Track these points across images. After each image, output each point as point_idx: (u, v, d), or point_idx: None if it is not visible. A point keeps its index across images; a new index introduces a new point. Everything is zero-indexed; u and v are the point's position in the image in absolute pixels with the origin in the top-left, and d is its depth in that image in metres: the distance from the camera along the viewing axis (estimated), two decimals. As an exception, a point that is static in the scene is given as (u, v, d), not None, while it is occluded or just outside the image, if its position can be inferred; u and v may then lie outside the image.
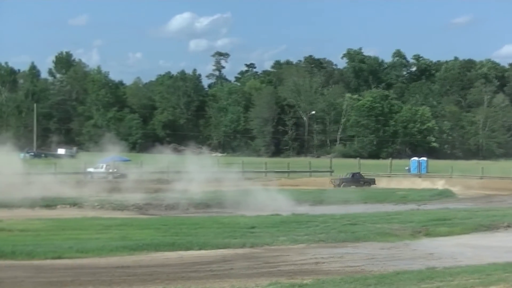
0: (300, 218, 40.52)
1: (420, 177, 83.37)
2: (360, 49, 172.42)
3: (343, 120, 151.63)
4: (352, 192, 62.30)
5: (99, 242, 29.71)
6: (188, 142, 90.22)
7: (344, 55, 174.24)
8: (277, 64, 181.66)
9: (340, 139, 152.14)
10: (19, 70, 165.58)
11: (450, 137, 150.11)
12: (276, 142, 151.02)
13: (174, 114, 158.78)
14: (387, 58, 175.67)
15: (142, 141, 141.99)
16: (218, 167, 72.61)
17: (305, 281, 22.36)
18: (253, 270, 25.04)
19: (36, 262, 25.55)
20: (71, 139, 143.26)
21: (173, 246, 29.21)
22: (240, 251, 29.22)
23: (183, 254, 28.03)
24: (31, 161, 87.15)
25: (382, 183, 74.20)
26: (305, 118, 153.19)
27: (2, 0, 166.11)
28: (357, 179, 72.93)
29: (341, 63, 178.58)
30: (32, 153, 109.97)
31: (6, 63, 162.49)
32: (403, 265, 26.02)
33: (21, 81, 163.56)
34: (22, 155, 71.81)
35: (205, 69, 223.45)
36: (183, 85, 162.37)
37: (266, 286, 21.75)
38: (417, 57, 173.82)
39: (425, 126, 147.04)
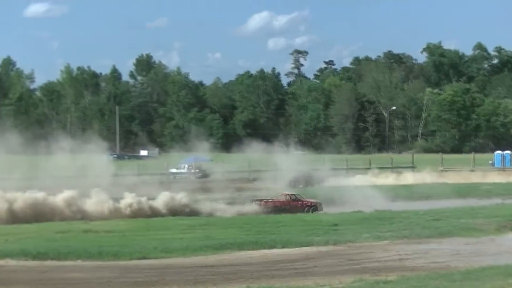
0: (383, 215, 40.26)
1: (504, 171, 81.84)
2: (440, 42, 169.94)
3: (424, 115, 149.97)
4: (435, 187, 61.47)
5: (183, 242, 29.99)
6: (269, 141, 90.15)
7: (424, 50, 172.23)
8: (356, 60, 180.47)
9: (422, 134, 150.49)
10: (101, 73, 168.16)
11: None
12: (357, 139, 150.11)
13: (254, 113, 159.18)
14: (468, 51, 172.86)
15: (223, 140, 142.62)
16: (305, 164, 72.57)
17: (389, 278, 22.22)
18: (337, 267, 24.96)
19: (122, 262, 25.91)
20: (153, 141, 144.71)
21: (256, 245, 29.29)
22: (323, 248, 29.16)
23: (266, 253, 28.09)
24: (115, 163, 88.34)
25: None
26: (385, 114, 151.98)
27: (84, 6, 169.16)
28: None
29: (421, 58, 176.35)
30: (115, 155, 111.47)
31: (88, 67, 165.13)
32: (489, 261, 25.61)
33: (103, 84, 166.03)
34: (105, 157, 72.75)
35: (284, 68, 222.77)
36: (263, 84, 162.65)
37: (350, 284, 21.66)
38: (499, 49, 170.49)
39: (508, 119, 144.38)
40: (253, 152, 77.10)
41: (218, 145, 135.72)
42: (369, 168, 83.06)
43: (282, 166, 63.67)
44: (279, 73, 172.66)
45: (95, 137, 64.83)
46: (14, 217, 39.02)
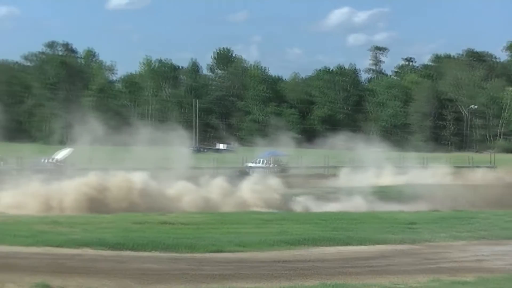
0: (460, 214, 39.76)
1: None
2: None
3: (505, 114, 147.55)
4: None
5: (259, 236, 30.02)
6: (347, 137, 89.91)
7: (506, 48, 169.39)
8: (437, 58, 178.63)
9: (502, 134, 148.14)
10: (180, 66, 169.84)
11: None
12: (435, 137, 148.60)
13: (332, 109, 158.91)
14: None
15: (301, 135, 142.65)
16: (387, 161, 72.43)
17: (466, 279, 21.92)
18: (413, 266, 24.71)
19: (197, 255, 26.05)
20: (231, 134, 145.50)
21: (332, 241, 29.16)
22: (399, 247, 28.89)
23: (341, 249, 27.95)
24: (193, 156, 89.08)
25: None
26: (465, 113, 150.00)
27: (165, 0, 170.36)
28: None
29: (503, 56, 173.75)
30: (194, 148, 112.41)
31: (168, 59, 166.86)
32: None
33: (182, 77, 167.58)
34: (183, 150, 73.48)
35: (363, 64, 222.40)
36: (341, 79, 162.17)
37: (426, 283, 21.43)
38: None
39: None
40: (332, 147, 77.05)
41: (295, 140, 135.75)
42: (447, 166, 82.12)
43: (361, 162, 63.46)
44: (358, 69, 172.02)
45: (174, 129, 65.39)
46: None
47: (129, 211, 39.65)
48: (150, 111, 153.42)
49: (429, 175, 70.04)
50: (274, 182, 49.65)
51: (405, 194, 51.98)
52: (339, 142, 77.08)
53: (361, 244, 28.90)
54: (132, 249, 26.48)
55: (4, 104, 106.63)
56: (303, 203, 47.13)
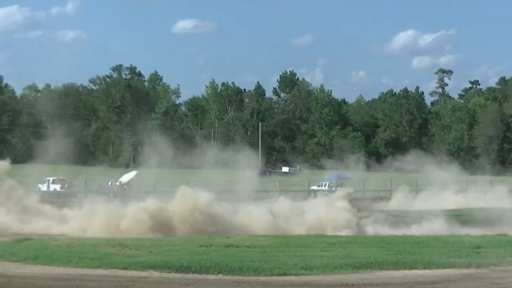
0: (528, 239, 39.09)
1: None
2: None
3: None
4: None
5: (324, 259, 29.86)
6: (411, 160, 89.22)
7: None
8: (502, 80, 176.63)
9: None
10: (245, 89, 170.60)
11: None
12: (501, 160, 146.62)
13: (397, 132, 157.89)
14: None
15: (365, 158, 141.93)
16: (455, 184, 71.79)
17: (535, 305, 21.57)
18: (480, 291, 24.39)
19: (262, 278, 26.02)
20: (295, 157, 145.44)
21: (397, 265, 28.86)
22: (465, 271, 28.48)
23: (407, 273, 27.66)
24: (257, 179, 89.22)
25: None
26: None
27: (231, 23, 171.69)
28: None
29: None
30: (258, 171, 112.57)
31: (233, 82, 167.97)
32: None
33: (247, 100, 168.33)
34: (247, 172, 73.90)
35: (428, 87, 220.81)
36: (406, 102, 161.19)
37: (494, 308, 21.14)
38: None
39: None
40: (396, 170, 76.52)
41: (360, 163, 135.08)
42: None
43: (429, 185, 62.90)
44: (423, 92, 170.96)
45: (239, 152, 65.67)
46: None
47: (194, 234, 39.87)
48: (214, 134, 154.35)
49: (496, 198, 69.14)
50: (342, 204, 49.49)
51: (474, 217, 51.40)
52: (407, 164, 76.61)
53: (426, 268, 28.55)
54: (197, 272, 26.57)
55: (71, 127, 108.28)
56: (371, 226, 46.91)
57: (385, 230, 46.33)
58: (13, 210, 48.15)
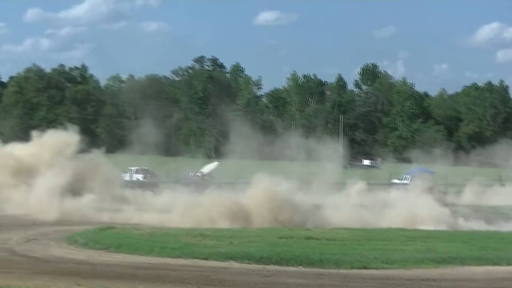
0: None
1: None
2: None
3: None
4: None
5: (404, 253, 29.62)
6: (494, 155, 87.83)
7: None
8: None
9: None
10: (326, 82, 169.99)
11: None
12: None
13: (480, 126, 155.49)
14: None
15: (447, 153, 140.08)
16: None
17: None
18: None
19: (342, 271, 25.95)
20: (376, 150, 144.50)
21: (479, 261, 28.44)
22: (551, 268, 27.92)
23: (490, 269, 27.23)
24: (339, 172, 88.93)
25: None
26: None
27: (313, 14, 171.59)
28: None
29: None
30: (339, 163, 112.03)
31: (314, 75, 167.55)
32: None
33: (328, 92, 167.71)
34: (328, 165, 73.69)
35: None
36: (490, 96, 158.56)
37: None
38: None
39: None
40: (480, 164, 75.48)
41: (441, 157, 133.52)
42: None
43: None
44: (507, 86, 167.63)
45: (320, 144, 65.50)
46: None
47: (273, 224, 39.96)
48: (295, 126, 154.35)
49: None
50: (425, 198, 48.93)
51: None
52: (491, 158, 75.50)
53: (510, 265, 28.07)
54: (278, 263, 26.64)
55: (153, 118, 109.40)
56: (459, 220, 46.14)
57: (473, 225, 45.60)
58: (106, 198, 49.26)
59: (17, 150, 55.88)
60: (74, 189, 48.90)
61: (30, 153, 54.32)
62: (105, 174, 54.83)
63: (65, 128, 57.83)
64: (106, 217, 43.70)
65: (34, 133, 57.30)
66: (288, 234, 34.64)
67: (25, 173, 50.04)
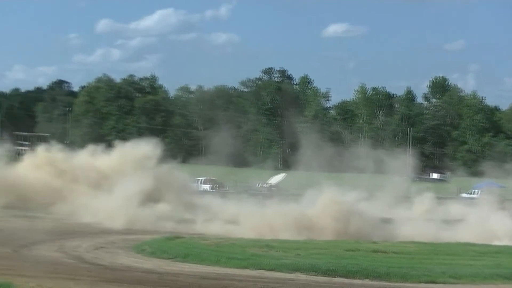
0: None
1: None
2: None
3: None
4: None
5: (473, 268, 29.28)
6: None
7: None
8: None
9: None
10: (395, 94, 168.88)
11: None
12: None
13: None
14: None
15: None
16: None
17: None
18: None
19: (409, 285, 25.78)
20: (444, 164, 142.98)
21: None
22: None
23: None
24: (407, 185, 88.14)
25: None
26: None
27: (383, 27, 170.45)
28: None
29: None
30: (407, 177, 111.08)
31: (383, 87, 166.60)
32: None
33: (397, 105, 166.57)
34: (396, 178, 73.27)
35: None
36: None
37: None
38: None
39: None
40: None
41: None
42: None
43: None
44: None
45: (388, 157, 64.99)
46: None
47: (341, 237, 39.77)
48: (363, 138, 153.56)
49: None
50: (499, 214, 47.98)
51: None
52: None
53: None
54: (344, 276, 26.55)
55: (221, 129, 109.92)
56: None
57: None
58: (179, 208, 49.72)
59: (99, 159, 56.82)
60: (150, 198, 49.36)
61: (111, 163, 55.19)
62: (180, 184, 55.45)
63: (147, 140, 58.47)
64: (174, 227, 43.94)
65: (116, 143, 58.49)
66: (355, 247, 34.49)
67: (104, 182, 50.64)
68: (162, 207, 49.37)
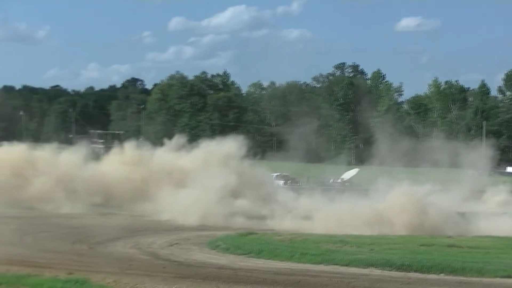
0: None
1: None
2: None
3: None
4: None
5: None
6: None
7: None
8: None
9: None
10: (469, 88, 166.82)
11: None
12: None
13: None
14: None
15: None
16: None
17: None
18: None
19: (485, 279, 25.48)
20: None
21: None
22: None
23: None
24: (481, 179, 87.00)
25: None
26: None
27: (456, 20, 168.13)
28: None
29: None
30: (481, 171, 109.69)
31: (456, 81, 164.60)
32: None
33: (470, 99, 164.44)
34: (470, 172, 72.37)
35: None
36: None
37: None
38: None
39: None
40: None
41: None
42: None
43: None
44: None
45: (462, 151, 64.20)
46: None
47: (415, 232, 39.45)
48: (436, 133, 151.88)
49: None
50: None
51: None
52: None
53: None
54: (419, 271, 26.38)
55: (294, 124, 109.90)
56: None
57: None
58: (256, 204, 49.85)
59: (182, 157, 57.13)
60: (231, 194, 49.53)
61: (195, 160, 55.44)
62: (260, 180, 55.69)
63: (234, 138, 58.77)
64: (246, 223, 44.10)
65: (202, 141, 59.01)
66: (429, 242, 34.21)
67: (186, 179, 50.77)
68: (241, 203, 49.49)
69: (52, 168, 52.40)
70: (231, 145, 56.92)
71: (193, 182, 48.79)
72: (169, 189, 49.28)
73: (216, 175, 49.14)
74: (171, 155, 57.51)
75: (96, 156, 62.61)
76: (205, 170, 50.81)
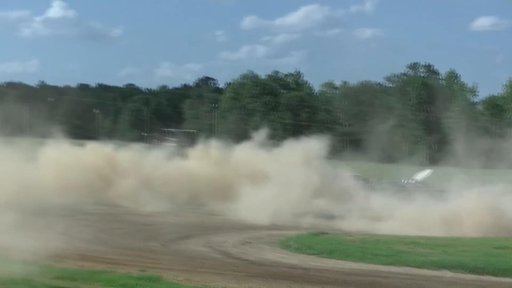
0: None
1: None
2: None
3: None
4: None
5: None
6: None
7: None
8: None
9: None
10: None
11: None
12: None
13: None
14: None
15: None
16: None
17: None
18: None
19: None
20: None
21: None
22: None
23: None
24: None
25: None
26: None
27: None
28: None
29: None
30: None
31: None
32: None
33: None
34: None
35: None
36: None
37: None
38: None
39: None
40: None
41: None
42: None
43: None
44: None
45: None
46: None
47: (489, 234, 38.84)
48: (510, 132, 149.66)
49: None
50: None
51: None
52: None
53: None
54: (493, 274, 26.04)
55: (366, 124, 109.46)
56: None
57: None
58: (332, 203, 49.73)
59: (263, 156, 57.22)
60: (312, 194, 49.49)
61: (278, 160, 55.44)
62: (338, 180, 55.62)
63: (317, 137, 58.85)
64: (319, 223, 43.95)
65: (287, 141, 58.98)
66: (504, 244, 33.71)
67: (267, 178, 50.74)
68: (319, 203, 49.33)
69: (137, 168, 53.38)
70: (314, 145, 56.90)
71: (275, 181, 48.85)
72: (250, 188, 49.29)
73: (296, 174, 49.14)
74: (253, 154, 57.57)
75: (171, 155, 63.01)
76: (287, 169, 50.80)
